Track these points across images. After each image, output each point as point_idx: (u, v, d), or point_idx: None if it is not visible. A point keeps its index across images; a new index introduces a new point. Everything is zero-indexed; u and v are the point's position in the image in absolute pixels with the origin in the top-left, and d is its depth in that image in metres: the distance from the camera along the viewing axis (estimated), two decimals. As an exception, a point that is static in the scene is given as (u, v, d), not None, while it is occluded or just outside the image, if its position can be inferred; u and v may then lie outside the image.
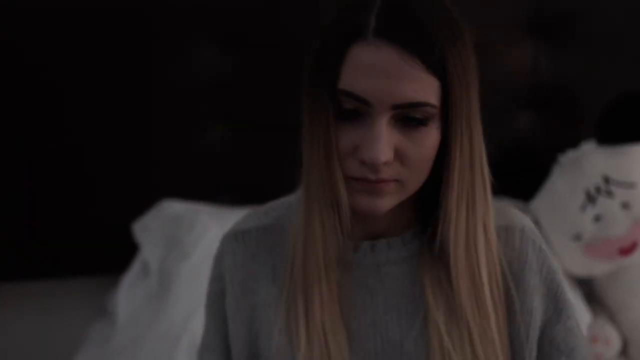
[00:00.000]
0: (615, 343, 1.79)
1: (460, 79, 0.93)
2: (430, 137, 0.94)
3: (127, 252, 1.90)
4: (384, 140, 0.91)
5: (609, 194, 1.70)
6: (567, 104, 1.89)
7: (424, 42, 0.91)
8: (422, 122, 0.92)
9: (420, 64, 0.90)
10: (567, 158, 1.77)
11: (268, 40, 1.88)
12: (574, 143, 1.80)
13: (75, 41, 1.85)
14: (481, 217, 0.98)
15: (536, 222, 1.83)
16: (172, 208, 1.87)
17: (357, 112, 0.92)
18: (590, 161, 1.73)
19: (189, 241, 1.79)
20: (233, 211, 1.87)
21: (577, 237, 1.74)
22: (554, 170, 1.78)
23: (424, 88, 0.91)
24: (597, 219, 1.72)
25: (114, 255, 1.94)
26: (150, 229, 1.86)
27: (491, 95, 1.86)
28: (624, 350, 1.83)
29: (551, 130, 1.91)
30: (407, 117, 0.92)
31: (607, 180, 1.71)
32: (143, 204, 1.90)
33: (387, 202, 0.95)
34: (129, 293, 1.83)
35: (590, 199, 1.71)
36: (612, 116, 1.74)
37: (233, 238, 1.10)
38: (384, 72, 0.91)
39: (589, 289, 1.89)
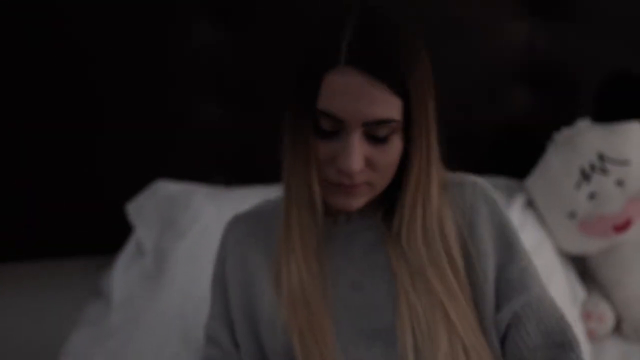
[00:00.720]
0: (609, 320, 1.80)
1: (419, 97, 1.12)
2: (395, 146, 1.13)
3: (122, 232, 1.90)
4: (357, 153, 1.10)
5: (604, 171, 1.71)
6: (563, 81, 1.88)
7: (388, 68, 1.09)
8: (387, 138, 1.11)
9: (385, 87, 1.08)
10: (562, 136, 1.77)
11: (263, 17, 1.86)
12: (569, 121, 1.80)
13: (69, 18, 1.83)
14: (436, 210, 1.17)
15: (531, 200, 1.84)
16: (167, 189, 1.87)
17: (333, 131, 1.11)
18: (585, 139, 1.73)
19: (184, 221, 1.79)
20: (228, 192, 1.87)
21: (572, 215, 1.75)
22: (548, 148, 1.78)
23: (389, 107, 1.10)
24: (592, 196, 1.72)
25: (108, 236, 1.93)
26: (145, 209, 1.86)
27: (487, 73, 1.87)
28: (618, 327, 1.83)
29: (547, 107, 1.90)
30: (375, 136, 1.11)
31: (601, 157, 1.71)
32: (137, 184, 1.89)
33: (359, 201, 1.16)
34: (123, 273, 1.83)
35: (585, 176, 1.71)
36: (607, 94, 1.74)
37: (234, 220, 1.32)
38: (355, 94, 1.09)
39: (583, 267, 1.90)
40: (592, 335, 1.80)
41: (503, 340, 1.20)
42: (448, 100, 1.87)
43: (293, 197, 1.19)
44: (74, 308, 1.93)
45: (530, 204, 1.84)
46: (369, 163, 1.13)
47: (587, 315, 1.79)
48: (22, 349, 2.11)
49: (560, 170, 1.74)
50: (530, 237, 1.77)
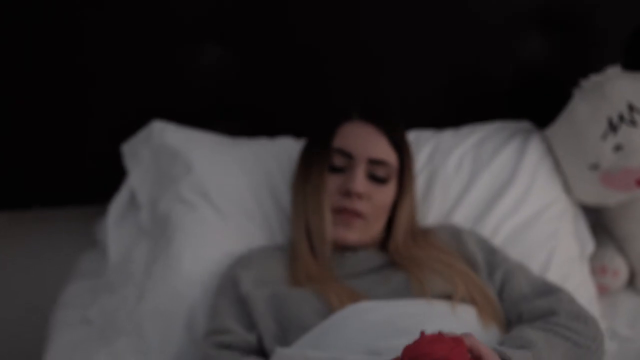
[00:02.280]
0: (623, 274, 1.76)
1: (408, 158, 1.53)
2: (389, 191, 1.49)
3: (119, 180, 1.78)
4: (361, 177, 1.45)
5: (633, 122, 1.62)
6: (588, 26, 1.78)
7: (390, 126, 1.52)
8: (385, 180, 1.48)
9: (386, 139, 1.50)
10: (590, 82, 1.67)
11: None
12: (596, 68, 1.70)
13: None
14: (418, 239, 1.51)
15: (550, 149, 1.75)
16: (164, 135, 1.73)
17: (343, 167, 1.47)
18: (614, 87, 1.63)
19: (181, 174, 1.66)
20: (232, 143, 1.75)
21: (595, 167, 1.67)
22: (575, 94, 1.68)
23: (389, 154, 1.49)
24: (618, 148, 1.64)
25: (104, 183, 1.82)
26: (140, 154, 1.74)
27: (503, 17, 1.78)
28: (631, 281, 1.79)
29: (571, 54, 1.80)
30: (375, 175, 1.47)
31: (631, 108, 1.62)
32: (135, 129, 1.77)
33: (355, 233, 1.46)
34: (117, 226, 1.73)
35: (612, 127, 1.63)
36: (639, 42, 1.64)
37: (245, 254, 1.54)
38: (364, 138, 1.48)
39: (596, 219, 1.84)
40: (605, 290, 1.76)
41: (500, 295, 1.40)
42: (468, 44, 1.79)
43: (304, 223, 1.48)
44: (69, 257, 1.87)
45: (548, 154, 1.75)
46: (368, 197, 1.45)
47: (601, 270, 1.74)
48: (17, 300, 2.07)
49: (587, 119, 1.65)
50: (543, 189, 1.71)
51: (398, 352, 1.07)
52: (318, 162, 1.49)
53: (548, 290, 1.38)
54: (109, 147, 1.80)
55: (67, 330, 1.66)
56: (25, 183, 1.86)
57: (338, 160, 1.47)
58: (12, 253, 2.04)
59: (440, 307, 1.30)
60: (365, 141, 1.48)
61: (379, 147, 1.48)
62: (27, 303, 2.05)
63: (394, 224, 1.51)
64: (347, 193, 1.45)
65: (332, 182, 1.46)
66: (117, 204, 1.76)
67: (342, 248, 1.49)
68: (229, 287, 1.44)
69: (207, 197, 1.63)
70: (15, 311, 2.07)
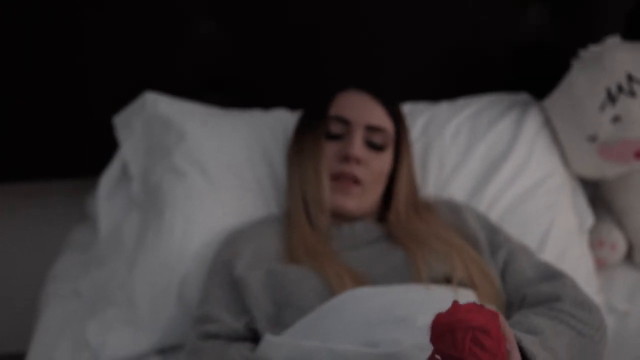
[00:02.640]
0: (621, 247, 1.74)
1: (403, 128, 1.53)
2: (386, 159, 1.49)
3: (111, 152, 1.76)
4: (359, 142, 1.45)
5: (632, 93, 1.59)
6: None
7: (386, 96, 1.51)
8: (382, 147, 1.48)
9: (383, 108, 1.50)
10: (589, 53, 1.64)
11: None
12: (596, 39, 1.67)
13: None
14: (418, 207, 1.50)
15: (547, 121, 1.73)
16: (157, 107, 1.70)
17: (340, 135, 1.47)
18: (613, 57, 1.60)
19: (173, 146, 1.63)
20: (225, 114, 1.72)
21: (593, 138, 1.64)
22: (573, 65, 1.65)
23: (385, 121, 1.49)
24: (616, 119, 1.61)
25: (96, 156, 1.79)
26: (133, 125, 1.71)
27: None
28: (629, 255, 1.77)
29: (570, 24, 1.77)
30: (372, 142, 1.47)
31: (630, 78, 1.59)
32: (128, 102, 1.74)
33: (353, 201, 1.45)
34: (108, 199, 1.71)
35: (611, 98, 1.60)
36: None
37: (237, 230, 1.51)
38: (362, 105, 1.49)
39: (594, 192, 1.82)
40: (602, 264, 1.74)
41: (502, 276, 1.38)
42: (465, 15, 1.75)
43: (301, 191, 1.46)
44: (61, 231, 1.86)
45: (545, 125, 1.73)
46: (365, 164, 1.45)
47: (599, 243, 1.72)
48: (8, 273, 2.06)
49: (585, 90, 1.62)
50: (541, 161, 1.69)
51: (395, 344, 1.05)
52: (314, 129, 1.48)
53: (552, 274, 1.35)
54: (101, 119, 1.77)
55: (58, 303, 1.65)
56: (17, 156, 1.83)
57: (335, 128, 1.47)
58: (2, 226, 2.02)
59: (438, 293, 1.26)
60: (362, 108, 1.48)
61: (376, 114, 1.48)
62: (18, 276, 2.04)
63: (393, 193, 1.50)
64: (345, 158, 1.44)
65: (330, 149, 1.46)
66: (109, 176, 1.73)
67: (339, 219, 1.47)
68: (221, 270, 1.40)
69: (200, 166, 1.60)
70: (6, 284, 2.06)
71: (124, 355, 1.48)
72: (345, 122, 1.47)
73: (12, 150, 1.82)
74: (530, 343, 1.07)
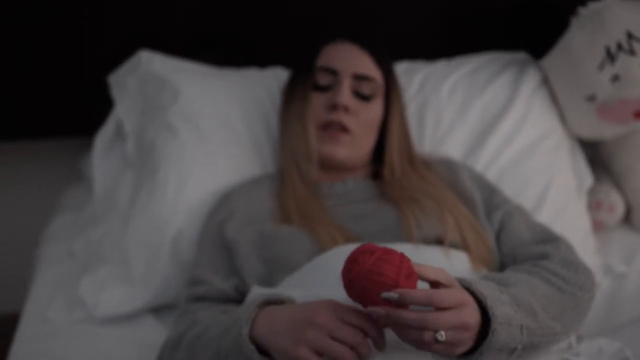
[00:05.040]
0: (619, 209, 1.72)
1: (392, 78, 1.51)
2: (375, 108, 1.47)
3: (105, 111, 1.74)
4: (347, 91, 1.43)
5: (632, 52, 1.57)
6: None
7: (374, 47, 1.49)
8: (370, 97, 1.45)
9: (371, 58, 1.48)
10: (588, 10, 1.61)
11: None
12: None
13: None
14: (414, 162, 1.48)
15: (545, 81, 1.71)
16: (151, 65, 1.68)
17: (328, 86, 1.45)
18: (613, 15, 1.58)
19: (168, 104, 1.61)
20: (220, 72, 1.70)
21: (591, 98, 1.62)
22: (572, 23, 1.63)
23: (373, 70, 1.47)
24: (615, 78, 1.59)
25: (91, 115, 1.78)
26: (127, 83, 1.69)
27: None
28: (627, 217, 1.76)
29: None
30: (360, 92, 1.45)
31: (630, 36, 1.57)
32: (124, 59, 1.72)
33: (343, 149, 1.42)
34: (103, 157, 1.70)
35: (610, 57, 1.58)
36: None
37: (231, 189, 1.50)
38: (349, 55, 1.47)
39: (593, 153, 1.80)
40: (600, 226, 1.72)
41: (498, 237, 1.35)
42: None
43: (290, 145, 1.45)
44: (55, 191, 1.85)
45: (543, 84, 1.71)
46: (354, 113, 1.43)
47: (597, 205, 1.71)
48: (2, 233, 2.05)
49: (584, 48, 1.60)
50: (539, 120, 1.67)
51: None
52: (302, 83, 1.47)
53: (547, 237, 1.33)
54: (97, 77, 1.75)
55: (53, 263, 1.65)
56: (11, 115, 1.82)
57: (323, 79, 1.46)
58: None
59: (427, 252, 1.24)
60: (349, 58, 1.46)
61: (364, 63, 1.46)
62: (13, 236, 2.03)
63: (385, 146, 1.48)
64: (334, 107, 1.42)
65: (318, 100, 1.44)
66: (104, 135, 1.72)
67: (331, 175, 1.45)
68: (213, 231, 1.40)
69: (194, 124, 1.58)
70: (1, 244, 2.05)
71: (117, 312, 1.48)
72: (333, 73, 1.45)
73: (7, 109, 1.81)
74: (484, 286, 1.06)
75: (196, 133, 1.57)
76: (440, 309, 0.99)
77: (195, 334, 1.19)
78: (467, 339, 1.02)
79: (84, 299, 1.48)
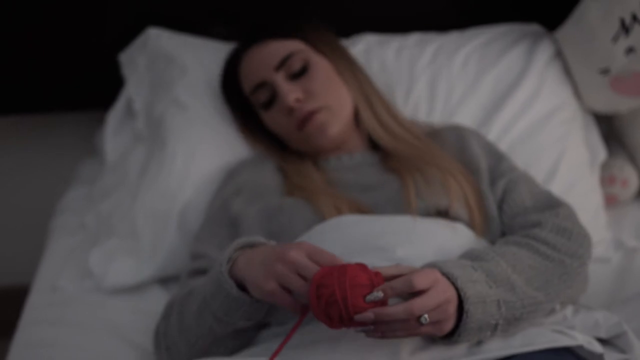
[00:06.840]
0: (633, 184, 1.70)
1: (316, 33, 1.46)
2: (317, 71, 1.41)
3: (118, 85, 1.75)
4: (285, 90, 1.39)
5: (647, 23, 1.55)
6: None
7: (270, 28, 1.45)
8: (304, 68, 1.41)
9: (273, 40, 1.43)
10: (603, -19, 1.59)
11: None
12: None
13: None
14: (399, 120, 1.47)
15: (559, 53, 1.69)
16: (159, 41, 1.69)
17: (270, 97, 1.42)
18: (629, -16, 1.56)
19: (182, 88, 1.62)
20: (226, 48, 1.69)
21: (605, 71, 1.60)
22: (586, -6, 1.61)
23: (287, 47, 1.42)
24: (630, 50, 1.56)
25: (104, 89, 1.78)
26: (137, 61, 1.71)
27: None
28: (640, 192, 1.75)
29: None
30: (292, 72, 1.41)
31: (645, 7, 1.55)
32: (137, 33, 1.72)
33: (328, 128, 1.39)
34: (114, 134, 1.72)
35: (625, 28, 1.55)
36: None
37: (238, 163, 1.50)
38: (256, 60, 1.43)
39: (608, 127, 1.78)
40: (613, 201, 1.71)
41: (500, 205, 1.33)
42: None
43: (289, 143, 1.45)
44: (69, 164, 1.88)
45: (557, 57, 1.69)
46: (309, 92, 1.39)
47: (610, 180, 1.69)
48: (17, 205, 2.08)
49: (598, 21, 1.57)
50: (552, 92, 1.65)
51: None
52: (250, 115, 1.50)
53: (549, 204, 1.30)
54: (112, 52, 1.76)
55: (65, 235, 1.67)
56: (28, 87, 1.83)
57: (261, 96, 1.43)
58: (13, 157, 2.03)
59: (424, 225, 1.22)
60: (260, 60, 1.42)
61: (274, 50, 1.42)
62: (27, 209, 2.05)
63: (358, 108, 1.45)
64: (290, 111, 1.39)
65: (275, 115, 1.43)
66: (115, 113, 1.74)
67: (337, 150, 1.45)
68: (219, 207, 1.40)
69: (202, 99, 1.59)
70: (14, 216, 2.07)
71: (125, 283, 1.50)
72: (262, 84, 1.42)
73: (25, 82, 1.81)
74: (456, 266, 1.07)
75: (204, 107, 1.58)
76: (419, 292, 1.01)
77: (187, 292, 1.22)
78: (453, 312, 1.03)
79: (92, 270, 1.49)
